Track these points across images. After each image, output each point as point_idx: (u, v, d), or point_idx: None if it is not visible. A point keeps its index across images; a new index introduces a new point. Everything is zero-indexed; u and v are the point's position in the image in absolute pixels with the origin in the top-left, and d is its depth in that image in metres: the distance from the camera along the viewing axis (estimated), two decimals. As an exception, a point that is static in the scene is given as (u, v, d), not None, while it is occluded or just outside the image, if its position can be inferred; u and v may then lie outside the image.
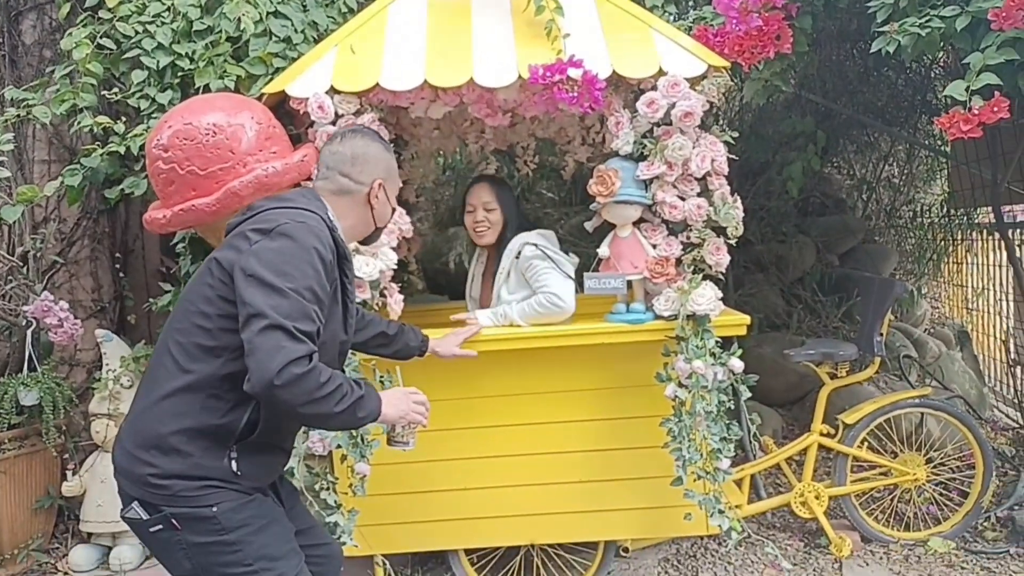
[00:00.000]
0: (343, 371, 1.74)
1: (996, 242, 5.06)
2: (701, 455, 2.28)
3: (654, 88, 2.27)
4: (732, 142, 2.34)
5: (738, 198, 2.33)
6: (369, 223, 1.78)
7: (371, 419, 1.59)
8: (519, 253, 2.49)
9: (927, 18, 2.13)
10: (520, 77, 2.26)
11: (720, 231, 2.32)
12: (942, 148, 5.22)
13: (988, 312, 5.24)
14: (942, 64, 4.19)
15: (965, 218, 5.32)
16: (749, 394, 2.31)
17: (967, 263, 5.45)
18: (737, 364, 2.29)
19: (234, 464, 1.54)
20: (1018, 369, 4.14)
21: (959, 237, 5.44)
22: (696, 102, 2.23)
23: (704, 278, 2.31)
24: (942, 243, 5.52)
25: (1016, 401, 4.48)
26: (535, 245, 2.47)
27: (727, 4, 2.39)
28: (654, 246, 2.37)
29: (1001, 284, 4.97)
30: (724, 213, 2.27)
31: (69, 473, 3.10)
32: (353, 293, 1.73)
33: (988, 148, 3.70)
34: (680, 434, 2.27)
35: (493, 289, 2.59)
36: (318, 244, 1.53)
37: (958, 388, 4.40)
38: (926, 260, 5.43)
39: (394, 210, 1.86)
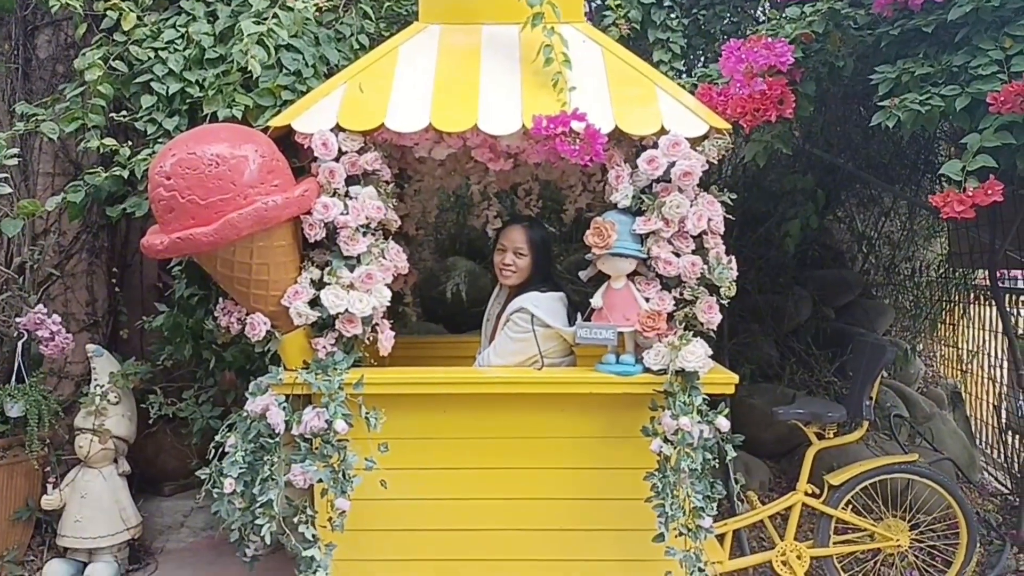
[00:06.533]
0: None
1: (992, 305, 5.08)
2: (684, 512, 2.26)
3: (656, 145, 2.29)
4: (730, 203, 2.36)
5: (733, 259, 2.34)
6: None
7: None
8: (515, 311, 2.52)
9: (927, 95, 2.16)
10: (524, 126, 2.29)
11: (713, 289, 2.33)
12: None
13: (981, 374, 5.24)
14: (946, 129, 4.23)
15: (962, 279, 5.34)
16: (735, 454, 2.30)
17: (962, 324, 5.46)
18: (724, 423, 2.28)
19: None
20: (1009, 435, 4.12)
21: (955, 298, 5.46)
22: (696, 162, 2.25)
23: (695, 335, 2.32)
24: (939, 303, 5.53)
25: (1006, 467, 4.47)
26: (531, 315, 2.48)
27: (732, 67, 2.43)
28: (647, 300, 2.37)
29: (994, 348, 4.98)
30: (718, 273, 2.28)
31: (49, 486, 3.08)
32: None
33: (987, 213, 3.73)
34: (664, 490, 2.25)
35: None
36: None
37: (949, 450, 4.37)
38: (922, 318, 5.43)
39: None
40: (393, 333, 2.44)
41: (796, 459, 4.23)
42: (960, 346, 5.53)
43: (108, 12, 2.68)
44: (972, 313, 5.39)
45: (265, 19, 2.58)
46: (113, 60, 2.66)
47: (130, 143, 2.69)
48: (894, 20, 2.43)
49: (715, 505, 2.29)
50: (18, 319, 3.02)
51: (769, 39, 2.38)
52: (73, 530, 3.04)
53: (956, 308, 5.54)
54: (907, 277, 5.77)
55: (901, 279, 5.76)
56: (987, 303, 5.15)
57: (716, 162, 2.32)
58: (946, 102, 2.13)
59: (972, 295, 5.35)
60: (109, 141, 2.62)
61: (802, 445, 4.21)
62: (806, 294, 4.70)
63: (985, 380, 5.11)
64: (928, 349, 5.98)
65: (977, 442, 5.02)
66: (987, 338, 5.12)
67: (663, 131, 2.29)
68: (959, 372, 5.54)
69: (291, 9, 2.62)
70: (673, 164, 2.26)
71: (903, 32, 2.35)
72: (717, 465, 2.32)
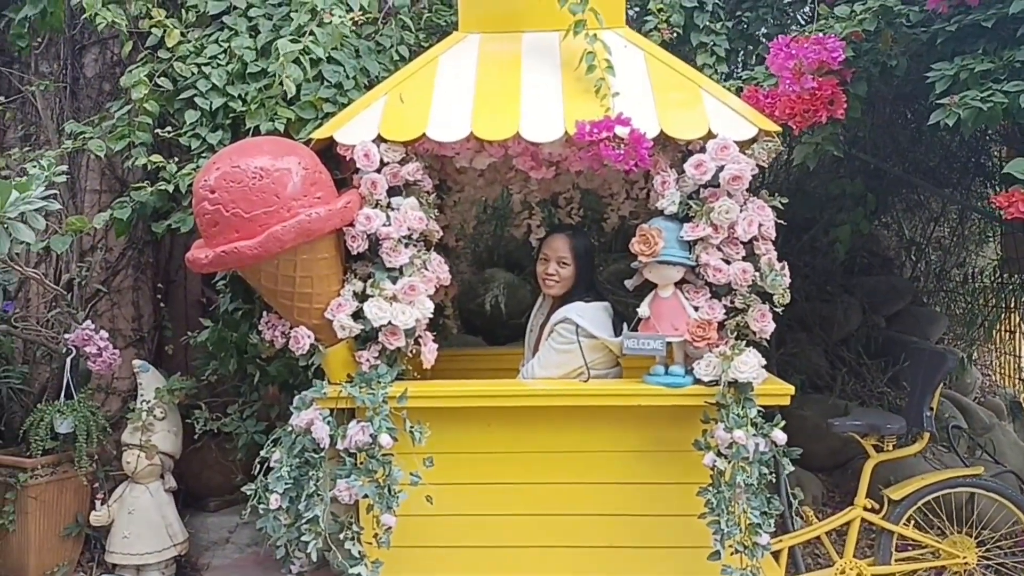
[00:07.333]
0: None
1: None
2: (740, 529, 2.18)
3: (702, 149, 2.24)
4: (781, 207, 2.29)
5: (786, 264, 2.26)
6: None
7: None
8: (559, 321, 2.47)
9: (988, 92, 2.07)
10: (566, 133, 2.25)
11: (765, 296, 2.26)
12: (996, 212, 5.07)
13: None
14: (999, 129, 4.09)
15: (1019, 285, 5.14)
16: (792, 468, 2.22)
17: (1020, 331, 5.26)
18: (780, 436, 2.20)
19: None
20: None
21: (1011, 304, 5.26)
22: (745, 166, 2.19)
23: (747, 344, 2.24)
24: (994, 309, 5.34)
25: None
26: (575, 325, 2.44)
27: (781, 64, 2.36)
28: (696, 308, 2.30)
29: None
30: (771, 280, 2.21)
31: (98, 502, 3.10)
32: None
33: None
34: (719, 506, 2.18)
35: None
36: None
37: (1011, 463, 4.19)
38: (977, 326, 5.24)
39: None
40: (436, 345, 2.41)
41: (849, 473, 4.09)
42: (1018, 354, 5.32)
43: (153, 29, 2.72)
44: (1030, 320, 5.19)
45: (304, 35, 2.58)
46: (158, 77, 2.70)
47: (175, 159, 2.71)
48: (950, 16, 2.35)
49: (772, 521, 2.21)
50: (66, 335, 3.06)
51: (820, 35, 2.31)
52: (121, 546, 3.05)
53: (1013, 315, 5.33)
54: (959, 284, 5.58)
55: (953, 286, 5.58)
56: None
57: (765, 166, 2.25)
58: (1009, 98, 2.04)
59: (1029, 301, 5.15)
60: (156, 158, 2.65)
61: (856, 458, 4.10)
62: (855, 302, 4.57)
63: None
64: (984, 358, 5.77)
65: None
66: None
67: (710, 135, 2.24)
68: (1018, 381, 5.33)
69: (329, 23, 2.62)
70: (721, 168, 2.20)
71: (960, 28, 2.26)
72: (774, 479, 2.23)
